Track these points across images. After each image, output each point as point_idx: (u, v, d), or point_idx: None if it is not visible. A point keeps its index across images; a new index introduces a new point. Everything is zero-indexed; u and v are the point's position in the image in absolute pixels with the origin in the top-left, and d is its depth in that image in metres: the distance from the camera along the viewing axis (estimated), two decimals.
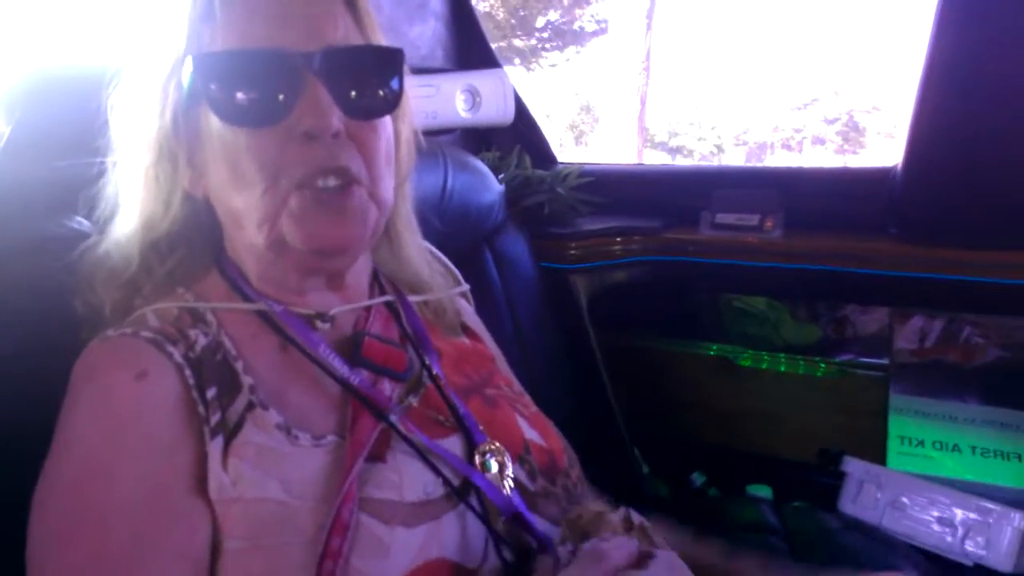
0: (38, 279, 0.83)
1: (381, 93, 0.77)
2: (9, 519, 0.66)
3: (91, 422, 0.68)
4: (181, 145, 0.76)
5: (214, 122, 0.73)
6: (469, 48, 1.95)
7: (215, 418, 0.70)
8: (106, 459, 0.66)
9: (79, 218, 0.90)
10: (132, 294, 0.79)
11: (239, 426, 0.71)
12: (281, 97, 0.71)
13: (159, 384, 0.71)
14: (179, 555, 0.65)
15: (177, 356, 0.72)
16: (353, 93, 0.73)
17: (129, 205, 0.80)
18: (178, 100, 0.75)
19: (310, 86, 0.70)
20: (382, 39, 0.81)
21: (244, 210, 0.74)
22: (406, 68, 0.80)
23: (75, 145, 0.99)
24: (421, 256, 0.96)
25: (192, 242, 0.82)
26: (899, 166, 1.56)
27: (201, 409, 0.70)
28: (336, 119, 0.71)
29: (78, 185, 0.87)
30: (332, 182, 0.72)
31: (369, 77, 0.75)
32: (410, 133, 0.88)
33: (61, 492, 0.66)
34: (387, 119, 0.79)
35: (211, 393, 0.71)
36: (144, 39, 0.78)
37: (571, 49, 16.16)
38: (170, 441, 0.69)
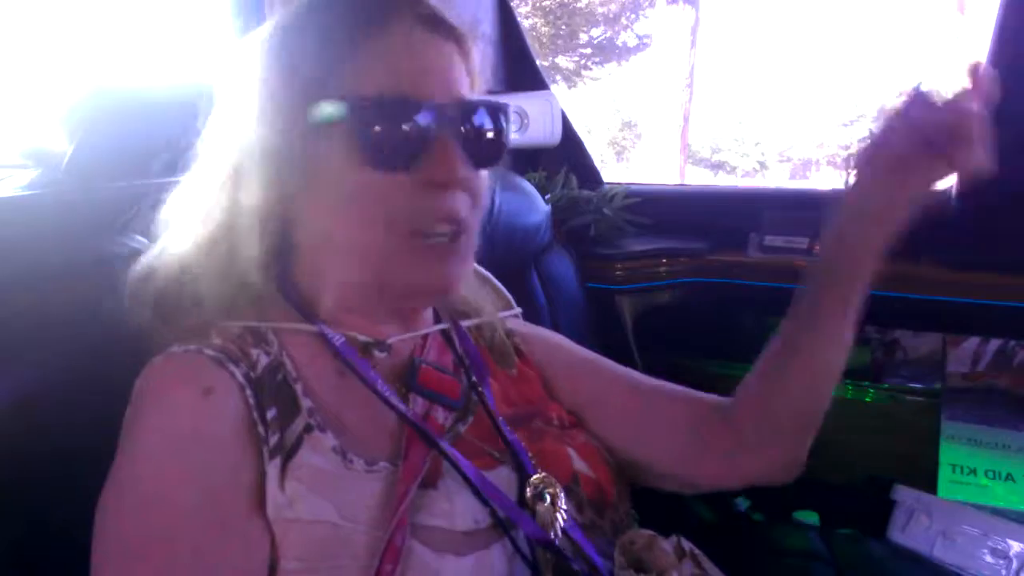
0: (98, 296, 0.84)
1: (495, 143, 0.81)
2: (77, 520, 0.67)
3: (157, 438, 0.69)
4: (296, 169, 0.76)
5: (337, 158, 0.74)
6: (518, 70, 1.97)
7: (274, 439, 0.71)
8: (170, 474, 0.67)
9: (139, 237, 0.92)
10: (198, 311, 0.79)
11: (296, 447, 0.71)
12: (417, 146, 0.73)
13: (224, 402, 0.71)
14: (241, 573, 0.66)
15: (239, 375, 0.73)
16: (476, 144, 0.77)
17: (202, 223, 0.80)
18: (302, 129, 0.74)
19: (443, 137, 0.74)
20: (483, 88, 0.85)
21: (356, 246, 0.76)
22: None
23: (135, 165, 1.01)
24: (479, 283, 0.99)
25: (264, 261, 0.82)
26: (952, 190, 1.54)
27: (261, 429, 0.71)
28: (464, 170, 0.75)
29: (138, 204, 0.88)
30: (448, 228, 0.76)
31: (487, 130, 0.79)
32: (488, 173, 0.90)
33: (126, 506, 0.66)
34: None
35: (271, 414, 0.72)
36: (258, 65, 0.78)
37: (612, 65, 16.18)
38: (233, 459, 0.69)
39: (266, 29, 0.80)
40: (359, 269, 0.77)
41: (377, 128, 0.73)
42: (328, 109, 0.73)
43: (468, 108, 0.77)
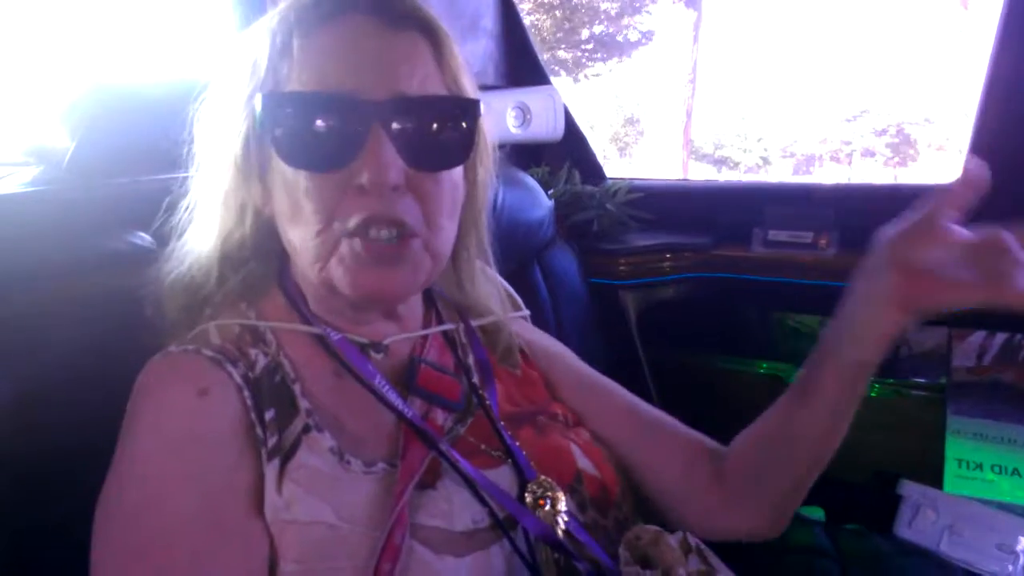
0: (100, 294, 0.85)
1: (451, 144, 0.75)
2: (77, 518, 0.67)
3: (152, 439, 0.68)
4: (253, 168, 0.77)
5: (275, 157, 0.73)
6: (520, 65, 1.96)
7: (272, 441, 0.70)
8: (167, 476, 0.66)
9: (141, 233, 0.92)
10: (202, 305, 0.80)
11: (294, 449, 0.71)
12: (344, 145, 0.70)
13: (220, 402, 0.71)
14: (240, 574, 0.65)
15: (237, 376, 0.73)
16: (420, 145, 0.72)
17: (205, 219, 0.80)
18: (251, 127, 0.75)
19: (374, 137, 0.69)
20: (466, 83, 0.79)
21: (298, 245, 0.75)
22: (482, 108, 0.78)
23: (137, 162, 1.01)
24: (487, 285, 0.96)
25: (260, 257, 0.82)
26: None
27: (259, 431, 0.71)
28: (395, 173, 0.70)
29: (140, 201, 0.88)
30: (385, 233, 0.71)
31: (439, 128, 0.74)
32: (486, 175, 0.86)
33: (124, 508, 0.66)
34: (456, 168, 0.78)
35: (269, 415, 0.72)
36: (227, 65, 0.78)
37: (614, 61, 16.17)
38: (229, 461, 0.69)
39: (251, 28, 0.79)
40: (308, 270, 0.76)
41: (293, 126, 0.70)
42: (256, 107, 0.72)
43: (408, 104, 0.71)
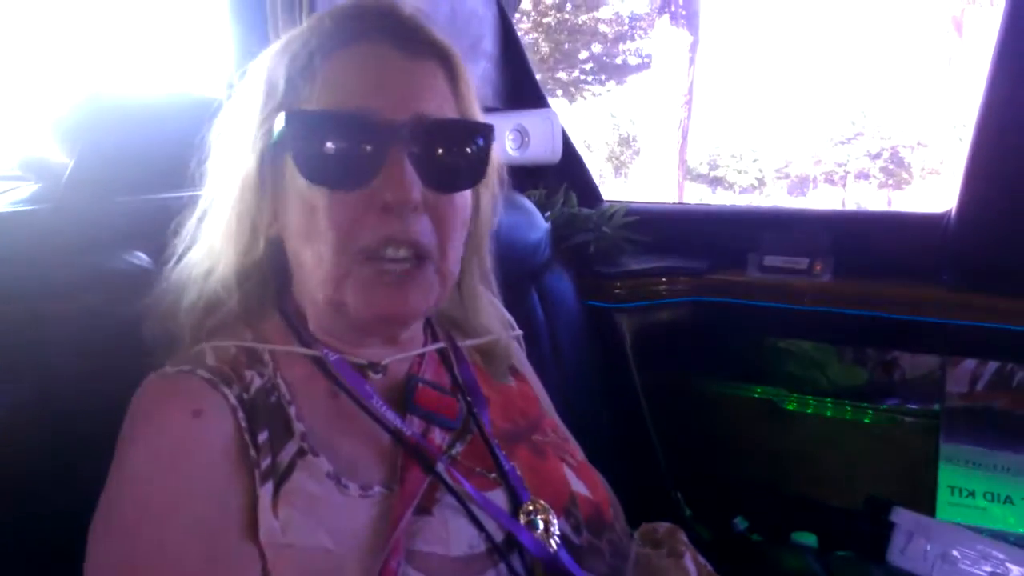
0: (97, 314, 0.85)
1: (466, 167, 0.78)
2: (70, 530, 0.67)
3: (146, 459, 0.68)
4: (264, 188, 0.77)
5: (292, 175, 0.74)
6: (519, 88, 1.97)
7: (266, 463, 0.70)
8: (160, 498, 0.66)
9: (139, 253, 0.92)
10: (199, 326, 0.80)
11: (289, 472, 0.70)
12: (365, 164, 0.71)
13: (213, 424, 0.71)
14: None
15: (231, 398, 0.72)
16: (437, 166, 0.74)
17: (209, 239, 0.81)
18: (266, 146, 0.75)
19: (394, 156, 0.71)
20: (477, 110, 0.81)
21: (312, 265, 0.75)
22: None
23: (137, 180, 1.01)
24: (489, 306, 0.97)
25: (262, 280, 0.83)
26: (953, 212, 1.54)
27: (252, 453, 0.70)
28: (416, 192, 0.71)
29: (138, 221, 0.88)
30: (402, 252, 0.73)
31: (456, 150, 0.76)
32: (491, 197, 0.88)
33: (116, 530, 0.66)
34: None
35: (263, 437, 0.71)
36: (241, 86, 0.80)
37: (612, 82, 16.27)
38: (222, 483, 0.69)
39: (266, 51, 0.80)
40: (320, 290, 0.76)
41: (315, 143, 0.72)
42: (277, 126, 0.73)
43: (427, 126, 0.73)
